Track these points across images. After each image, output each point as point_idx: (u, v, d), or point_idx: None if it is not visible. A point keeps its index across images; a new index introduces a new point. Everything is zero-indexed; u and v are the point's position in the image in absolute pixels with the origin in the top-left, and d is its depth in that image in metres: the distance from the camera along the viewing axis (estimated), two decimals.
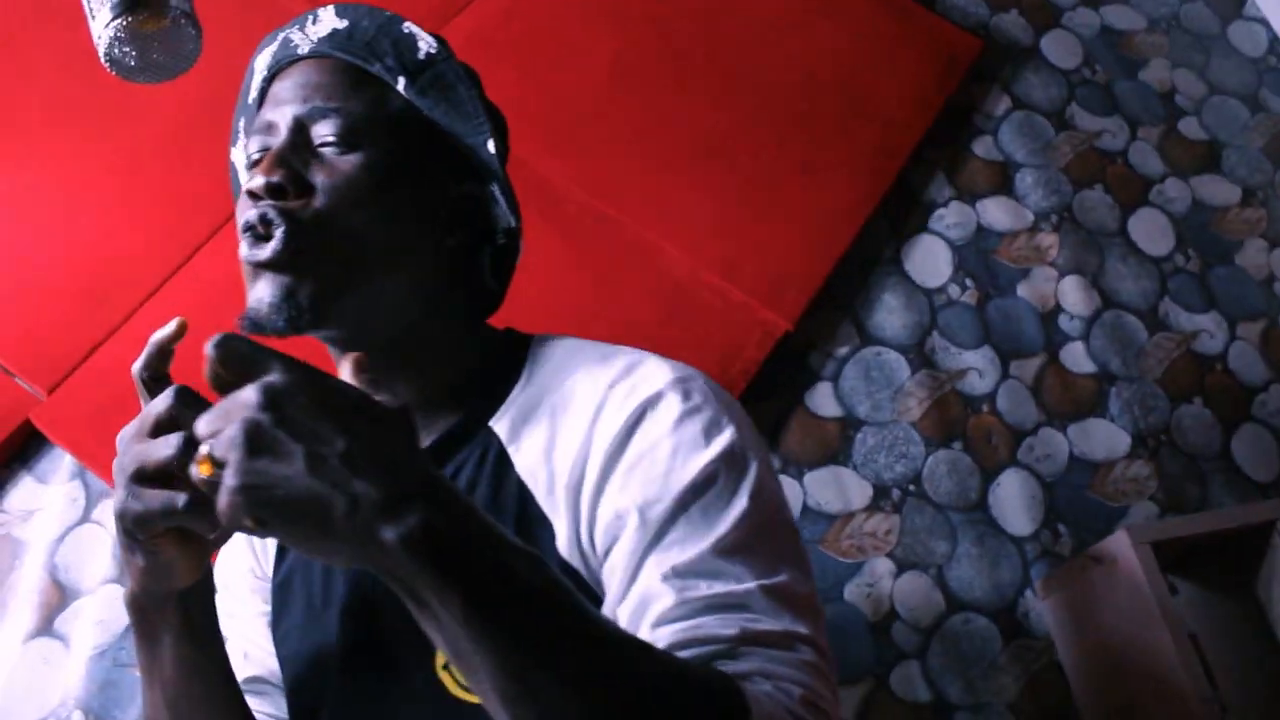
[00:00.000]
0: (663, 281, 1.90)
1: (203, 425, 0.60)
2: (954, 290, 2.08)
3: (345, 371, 0.80)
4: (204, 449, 0.59)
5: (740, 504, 0.79)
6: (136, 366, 0.75)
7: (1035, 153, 2.28)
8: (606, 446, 0.83)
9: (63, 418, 1.71)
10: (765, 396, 1.89)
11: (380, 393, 0.76)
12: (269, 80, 0.98)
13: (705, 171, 2.02)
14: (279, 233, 0.86)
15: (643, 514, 0.78)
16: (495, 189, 1.01)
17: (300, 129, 0.92)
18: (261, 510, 0.56)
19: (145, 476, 0.67)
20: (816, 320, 1.98)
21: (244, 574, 1.05)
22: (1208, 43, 2.54)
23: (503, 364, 0.97)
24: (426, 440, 0.93)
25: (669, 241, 1.93)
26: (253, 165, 0.93)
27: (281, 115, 0.92)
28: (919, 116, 2.19)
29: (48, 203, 1.87)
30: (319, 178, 0.89)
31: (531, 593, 0.61)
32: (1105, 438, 1.98)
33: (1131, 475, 1.95)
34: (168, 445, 0.66)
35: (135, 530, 0.70)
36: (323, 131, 0.91)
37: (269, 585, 1.03)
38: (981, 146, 2.27)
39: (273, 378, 0.59)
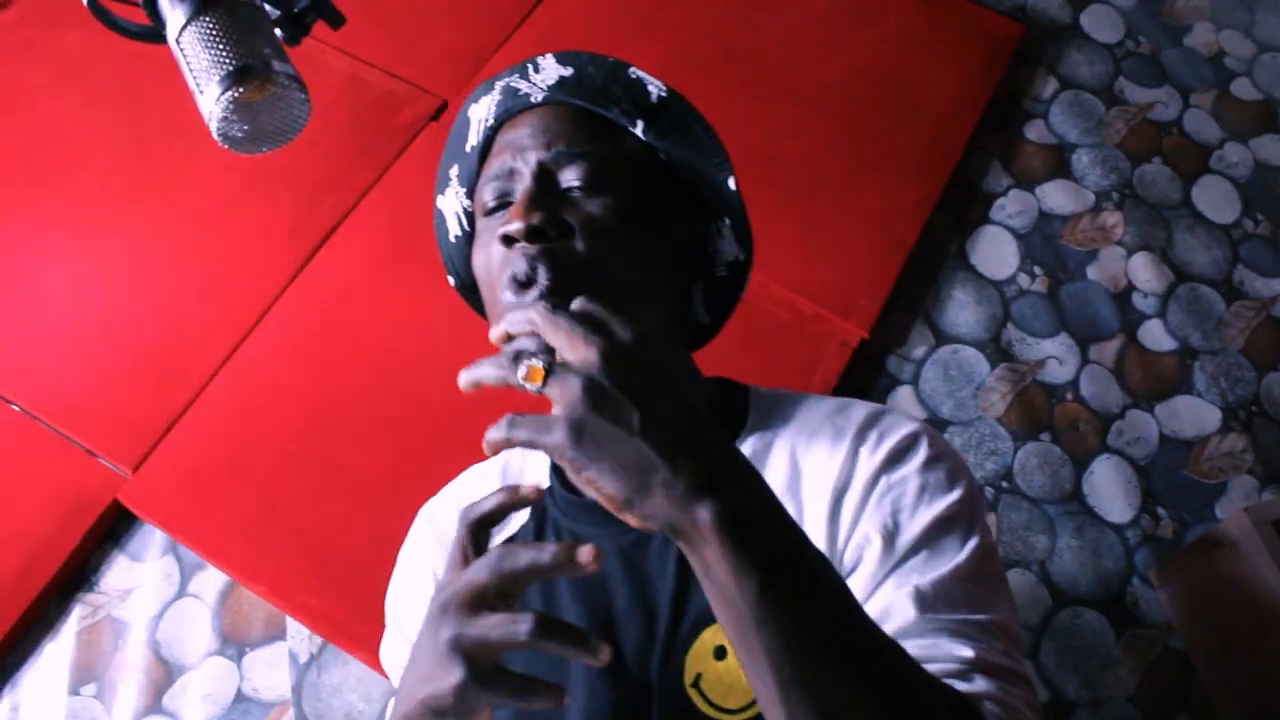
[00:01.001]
0: None
1: (556, 341, 0.64)
2: (1024, 279, 2.05)
3: None
4: (538, 363, 0.63)
5: (973, 543, 0.84)
6: (467, 518, 0.72)
7: (1088, 131, 2.25)
8: (867, 477, 0.88)
9: (150, 494, 1.72)
10: None
11: None
12: (495, 128, 0.99)
13: (762, 183, 1.99)
14: (544, 278, 0.87)
15: (891, 538, 0.83)
16: (726, 223, 1.04)
17: (546, 174, 0.93)
18: (587, 464, 0.60)
19: (489, 657, 0.66)
20: (890, 324, 1.95)
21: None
22: (1250, 0, 2.49)
23: (725, 404, 1.02)
24: None
25: None
26: (492, 211, 0.95)
27: (524, 161, 0.93)
28: (969, 107, 2.16)
29: (112, 284, 1.89)
30: (573, 220, 0.90)
31: (820, 586, 0.64)
32: (1194, 414, 1.94)
33: (1226, 450, 1.91)
34: (517, 630, 0.65)
35: (467, 707, 0.67)
36: (570, 176, 0.92)
37: None
38: (1034, 131, 2.24)
39: (616, 338, 0.64)
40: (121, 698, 1.62)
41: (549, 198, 0.91)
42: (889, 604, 0.79)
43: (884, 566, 0.82)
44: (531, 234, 0.88)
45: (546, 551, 0.65)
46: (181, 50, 0.75)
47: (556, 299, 0.86)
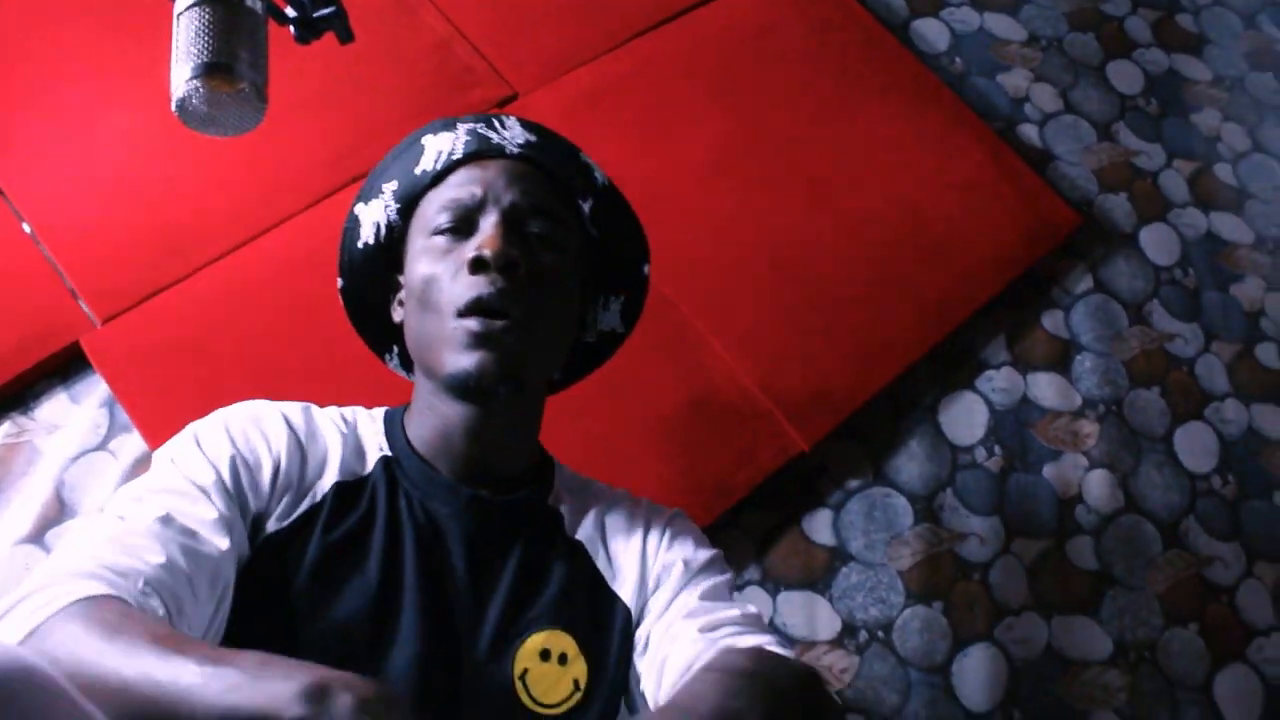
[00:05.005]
0: (698, 372, 1.95)
1: None
2: (980, 453, 2.09)
3: (461, 426, 1.09)
4: None
5: (727, 575, 1.16)
6: None
7: (1102, 339, 2.28)
8: (657, 533, 1.16)
9: (110, 349, 1.81)
10: (764, 507, 1.92)
11: (492, 456, 1.12)
12: (459, 162, 1.11)
13: (771, 278, 2.06)
14: (514, 313, 1.02)
15: (687, 565, 1.12)
16: (618, 299, 1.22)
17: (515, 216, 1.07)
18: None
19: None
20: (836, 447, 2.00)
21: (281, 452, 1.07)
22: None
23: (545, 463, 1.22)
24: (506, 498, 1.13)
25: (716, 336, 1.98)
26: (445, 231, 1.08)
27: (496, 197, 1.08)
28: (995, 276, 2.20)
29: (159, 146, 1.98)
30: (531, 262, 1.06)
31: None
32: (1087, 638, 1.97)
33: (1103, 683, 1.93)
34: None
35: None
36: (535, 227, 1.08)
37: (304, 489, 1.07)
38: (1050, 320, 2.27)
39: None
40: (10, 518, 1.71)
41: (518, 238, 1.06)
42: (690, 605, 1.07)
43: (682, 583, 1.10)
44: (507, 265, 1.02)
45: None
46: (177, 24, 0.84)
47: (519, 336, 1.03)
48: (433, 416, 1.11)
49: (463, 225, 1.07)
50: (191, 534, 0.94)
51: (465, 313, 1.02)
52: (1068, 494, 2.10)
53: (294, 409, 1.13)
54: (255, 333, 1.86)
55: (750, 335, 2.00)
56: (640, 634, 1.09)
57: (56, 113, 1.99)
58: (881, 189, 2.23)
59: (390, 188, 1.15)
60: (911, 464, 2.05)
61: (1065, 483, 2.11)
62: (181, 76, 0.82)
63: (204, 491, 0.98)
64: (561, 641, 1.04)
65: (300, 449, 1.08)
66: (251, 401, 1.14)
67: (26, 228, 1.88)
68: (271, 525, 1.03)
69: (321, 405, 1.20)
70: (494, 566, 1.07)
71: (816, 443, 1.94)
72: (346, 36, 1.07)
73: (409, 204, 1.14)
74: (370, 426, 1.16)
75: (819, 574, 1.91)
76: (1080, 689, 1.92)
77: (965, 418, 2.13)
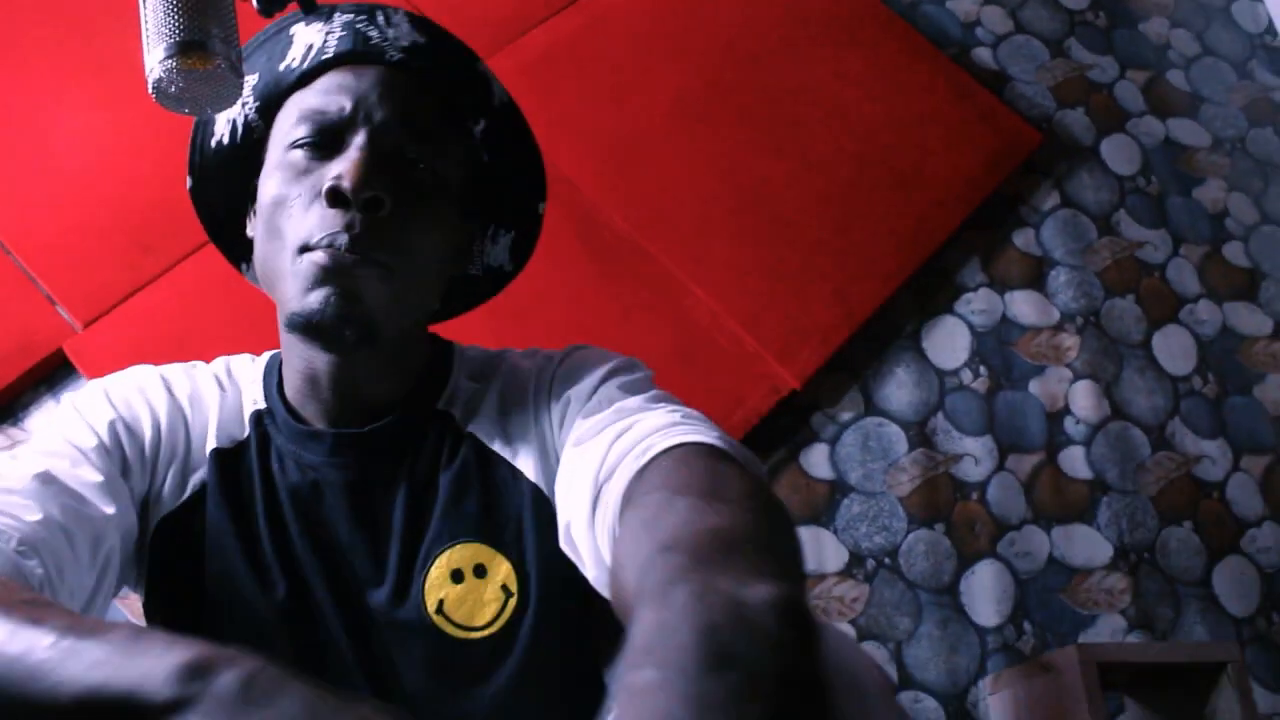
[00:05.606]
0: (683, 321, 1.96)
1: None
2: (966, 375, 2.12)
3: (324, 370, 0.93)
4: None
5: (623, 378, 0.94)
6: None
7: (1074, 253, 2.31)
8: (547, 383, 0.98)
9: (94, 352, 1.80)
10: (761, 447, 1.94)
11: (362, 396, 0.96)
12: (330, 63, 0.95)
13: (745, 222, 2.07)
14: (371, 257, 0.87)
15: (573, 400, 0.94)
16: (508, 234, 1.06)
17: (389, 139, 0.91)
18: None
19: None
20: (825, 382, 2.02)
21: (142, 432, 0.96)
22: (1270, 170, 2.55)
23: (437, 362, 1.03)
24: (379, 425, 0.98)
25: (697, 284, 1.98)
26: (304, 145, 0.92)
27: (366, 115, 0.92)
28: (964, 200, 2.22)
29: (122, 144, 1.96)
30: (401, 197, 0.90)
31: None
32: (1088, 545, 2.01)
33: (1106, 587, 1.97)
34: None
35: None
36: (411, 152, 0.92)
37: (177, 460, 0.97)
38: (1022, 238, 2.30)
39: None
40: None
41: (389, 166, 0.90)
42: (586, 423, 0.91)
43: (578, 409, 0.93)
44: (369, 204, 0.87)
45: None
46: (144, 6, 0.82)
47: (375, 281, 0.88)
48: (295, 359, 0.97)
49: (325, 141, 0.91)
50: (73, 494, 0.86)
51: (313, 250, 0.87)
52: (1055, 407, 2.13)
53: (176, 372, 1.02)
54: (237, 322, 1.83)
55: (731, 280, 2.01)
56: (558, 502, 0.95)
57: (12, 119, 1.95)
58: (844, 125, 2.24)
59: (250, 80, 0.97)
60: (900, 392, 2.07)
61: (1051, 396, 2.14)
62: (155, 59, 0.80)
63: (84, 455, 0.90)
64: (469, 554, 0.92)
65: (183, 415, 0.98)
66: (133, 368, 1.03)
67: None
68: (165, 506, 0.95)
69: None
70: (382, 509, 0.95)
71: (807, 379, 1.96)
72: (310, 5, 1.02)
73: (270, 103, 0.97)
74: (250, 377, 1.04)
75: (821, 508, 1.94)
76: (1085, 594, 1.96)
77: (948, 342, 2.15)
